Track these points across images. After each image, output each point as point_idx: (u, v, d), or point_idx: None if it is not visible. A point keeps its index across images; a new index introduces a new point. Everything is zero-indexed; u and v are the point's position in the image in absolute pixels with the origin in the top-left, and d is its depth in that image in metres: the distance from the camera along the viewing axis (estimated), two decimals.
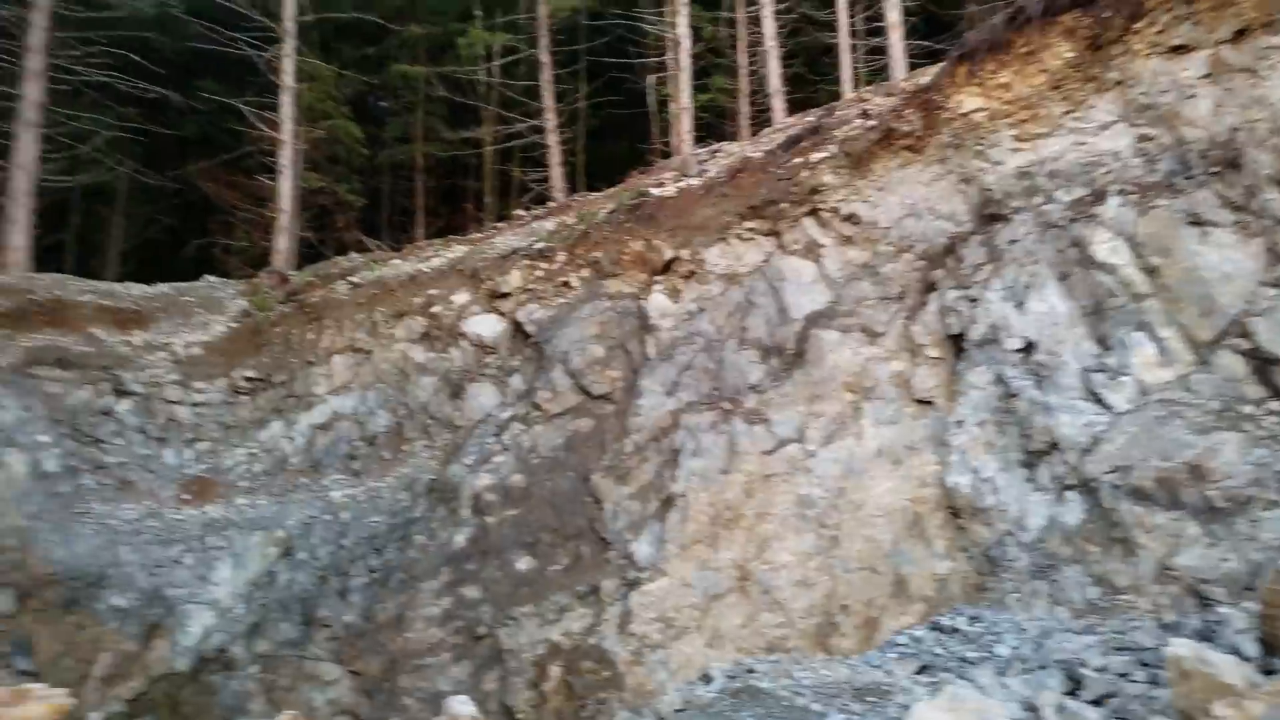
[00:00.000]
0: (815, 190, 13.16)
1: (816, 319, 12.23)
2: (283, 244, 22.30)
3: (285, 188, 22.65)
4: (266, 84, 23.81)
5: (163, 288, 20.00)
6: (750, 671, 8.16)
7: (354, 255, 20.66)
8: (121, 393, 15.58)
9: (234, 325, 18.15)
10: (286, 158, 22.71)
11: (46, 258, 23.19)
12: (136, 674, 11.58)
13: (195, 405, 15.85)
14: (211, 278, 21.09)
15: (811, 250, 12.92)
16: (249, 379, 16.17)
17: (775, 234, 13.28)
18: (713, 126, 24.98)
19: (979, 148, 11.84)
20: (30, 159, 21.01)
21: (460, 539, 12.00)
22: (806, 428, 11.26)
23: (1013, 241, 11.02)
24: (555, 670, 10.16)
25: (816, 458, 10.93)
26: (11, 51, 21.34)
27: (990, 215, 11.49)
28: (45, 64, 21.32)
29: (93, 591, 12.38)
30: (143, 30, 24.63)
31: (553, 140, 25.17)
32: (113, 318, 17.91)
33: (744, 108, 25.05)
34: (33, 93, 21.07)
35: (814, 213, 13.08)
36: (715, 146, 20.78)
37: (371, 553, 12.45)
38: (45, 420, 14.65)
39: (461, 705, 5.69)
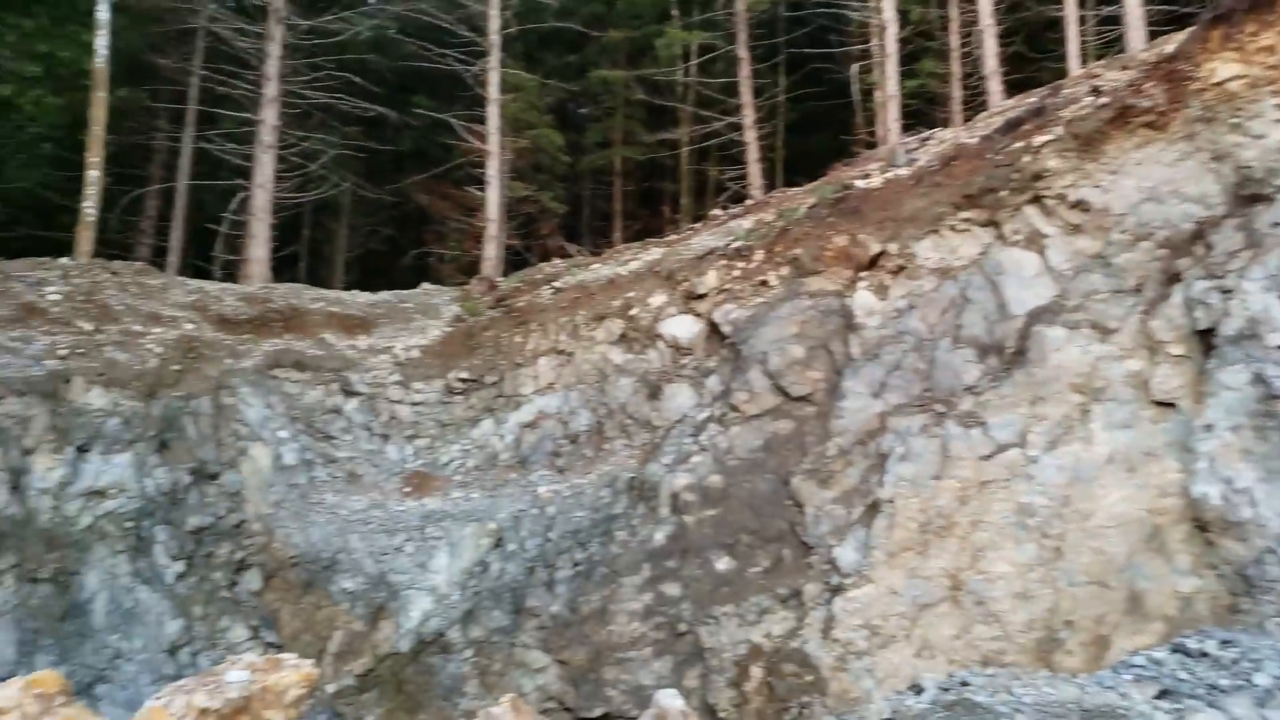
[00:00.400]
0: (1039, 176, 12.62)
1: (1040, 315, 11.74)
2: (491, 252, 23.98)
3: (492, 197, 24.34)
4: (474, 97, 25.71)
5: (384, 295, 22.11)
6: (964, 684, 8.01)
7: (556, 261, 21.90)
8: (349, 393, 17.35)
9: (448, 329, 19.77)
10: (493, 168, 24.41)
11: (282, 268, 26.23)
12: (365, 652, 12.92)
13: (414, 404, 17.40)
14: (428, 285, 23.06)
15: (1034, 241, 12.41)
16: (462, 380, 17.55)
17: (994, 224, 12.85)
18: (921, 114, 24.36)
19: (1235, 120, 10.95)
20: (268, 178, 23.87)
21: (660, 537, 12.49)
22: (1028, 431, 10.84)
23: (1276, 225, 10.12)
24: (756, 671, 10.39)
25: (1039, 463, 10.51)
26: (252, 80, 24.34)
27: (1248, 196, 10.59)
28: (279, 90, 24.16)
29: (327, 574, 13.93)
30: (362, 53, 27.29)
31: (750, 137, 25.46)
32: (341, 323, 20.02)
33: (956, 92, 24.24)
34: (269, 117, 23.93)
35: (1037, 200, 12.55)
36: (925, 134, 20.30)
37: (576, 547, 13.20)
38: (284, 417, 16.57)
39: (670, 699, 6.04)
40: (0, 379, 13.41)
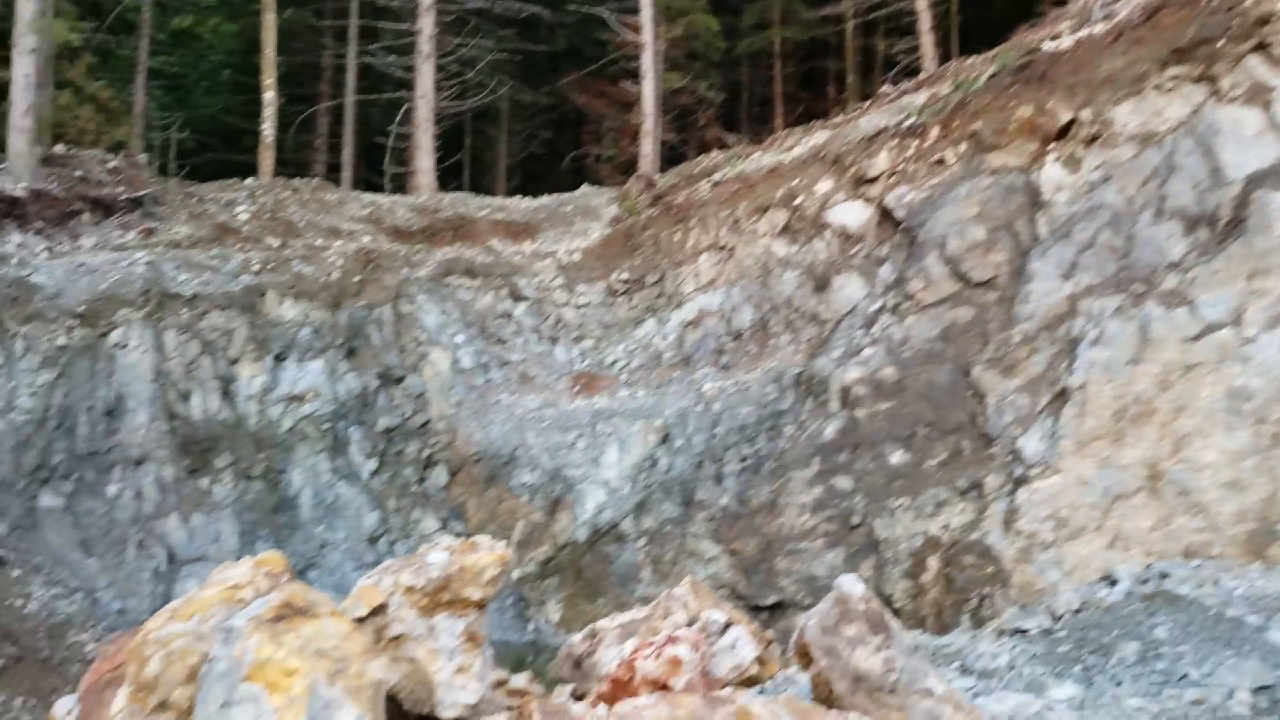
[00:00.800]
0: (1264, 20, 11.23)
1: (1263, 179, 10.61)
2: (648, 148, 23.89)
3: (648, 91, 24.11)
4: None
5: (545, 200, 22.59)
6: (1164, 576, 7.67)
7: (715, 153, 21.56)
8: (518, 297, 18.01)
9: (608, 231, 20.05)
10: (648, 61, 24.09)
11: (447, 177, 27.18)
12: (545, 541, 13.75)
13: (579, 307, 17.89)
14: (587, 187, 23.34)
15: (1257, 95, 11.13)
16: (624, 281, 17.84)
17: (1208, 79, 11.60)
18: None
19: None
20: (429, 88, 24.55)
21: (830, 431, 12.45)
22: (1244, 309, 9.96)
23: None
24: (933, 563, 10.33)
25: (1256, 343, 9.66)
26: None
27: None
28: None
29: (507, 470, 14.79)
30: None
31: (922, 5, 23.83)
32: (506, 230, 20.68)
33: None
34: (427, 26, 24.45)
35: (1262, 48, 11.21)
36: None
37: (743, 442, 13.38)
38: (459, 323, 17.45)
39: (852, 584, 6.07)
40: (205, 295, 14.78)
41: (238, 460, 13.24)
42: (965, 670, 6.09)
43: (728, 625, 6.26)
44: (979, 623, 8.75)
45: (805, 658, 6.16)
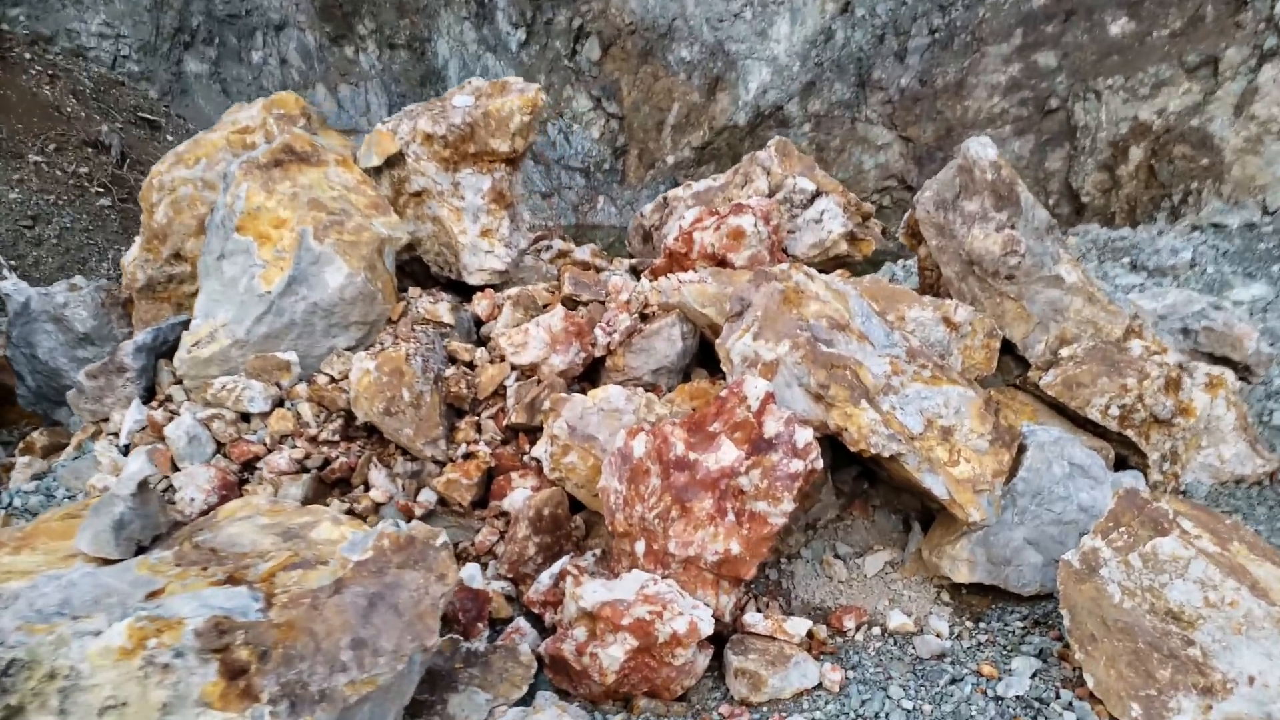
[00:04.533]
0: None
1: None
2: None
3: None
4: None
5: None
6: None
7: None
8: None
9: None
10: None
11: None
12: (702, 125, 12.91)
13: None
14: None
15: None
16: None
17: None
18: None
19: None
20: None
21: None
22: None
23: None
24: (1137, 153, 8.79)
25: None
26: None
27: None
28: None
29: (664, 43, 13.61)
30: None
31: None
32: None
33: None
34: None
35: None
36: None
37: (935, 10, 11.45)
38: None
39: (982, 148, 5.13)
40: None
41: (380, 28, 12.79)
42: (1135, 266, 5.15)
43: (816, 195, 5.50)
44: (1175, 219, 7.51)
45: (914, 238, 5.39)
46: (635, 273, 5.47)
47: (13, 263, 8.79)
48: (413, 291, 4.63)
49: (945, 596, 4.00)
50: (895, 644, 3.70)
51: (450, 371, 4.24)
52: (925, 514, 4.30)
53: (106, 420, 4.41)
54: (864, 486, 4.41)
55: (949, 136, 10.83)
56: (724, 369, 4.14)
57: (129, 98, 10.98)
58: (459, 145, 4.91)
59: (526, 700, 3.17)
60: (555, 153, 14.20)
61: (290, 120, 5.08)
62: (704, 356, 4.64)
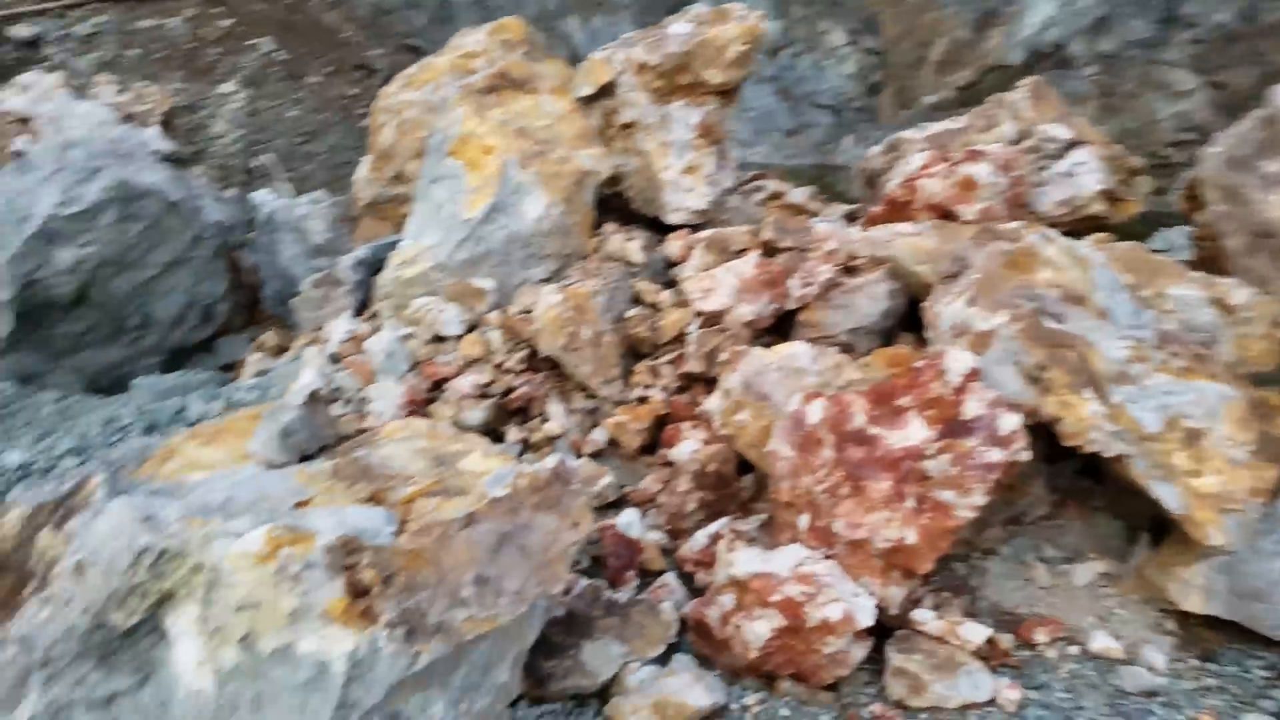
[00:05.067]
0: None
1: None
2: None
3: None
4: None
5: None
6: None
7: None
8: None
9: None
10: None
11: None
12: (969, 63, 11.88)
13: None
14: None
15: None
16: None
17: None
18: None
19: None
20: None
21: None
22: None
23: None
24: None
25: None
26: None
27: None
28: None
29: None
30: None
31: None
32: None
33: None
34: None
35: None
36: None
37: None
38: None
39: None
40: None
41: None
42: None
43: (1071, 145, 4.82)
44: None
45: (1193, 201, 4.62)
46: (852, 220, 5.11)
47: (289, 174, 9.67)
48: (607, 227, 4.58)
49: (1169, 625, 3.46)
50: (1095, 669, 3.25)
51: (633, 312, 4.17)
52: (1157, 524, 3.73)
53: (321, 329, 4.74)
54: (1085, 484, 3.90)
55: (1266, 84, 9.33)
56: (927, 336, 3.76)
57: (398, 24, 11.74)
58: (672, 75, 4.75)
59: (662, 660, 3.08)
60: (803, 87, 13.68)
61: (513, 47, 5.14)
62: (912, 320, 4.25)
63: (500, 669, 2.57)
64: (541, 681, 2.91)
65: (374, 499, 2.68)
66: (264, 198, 5.74)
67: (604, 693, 2.96)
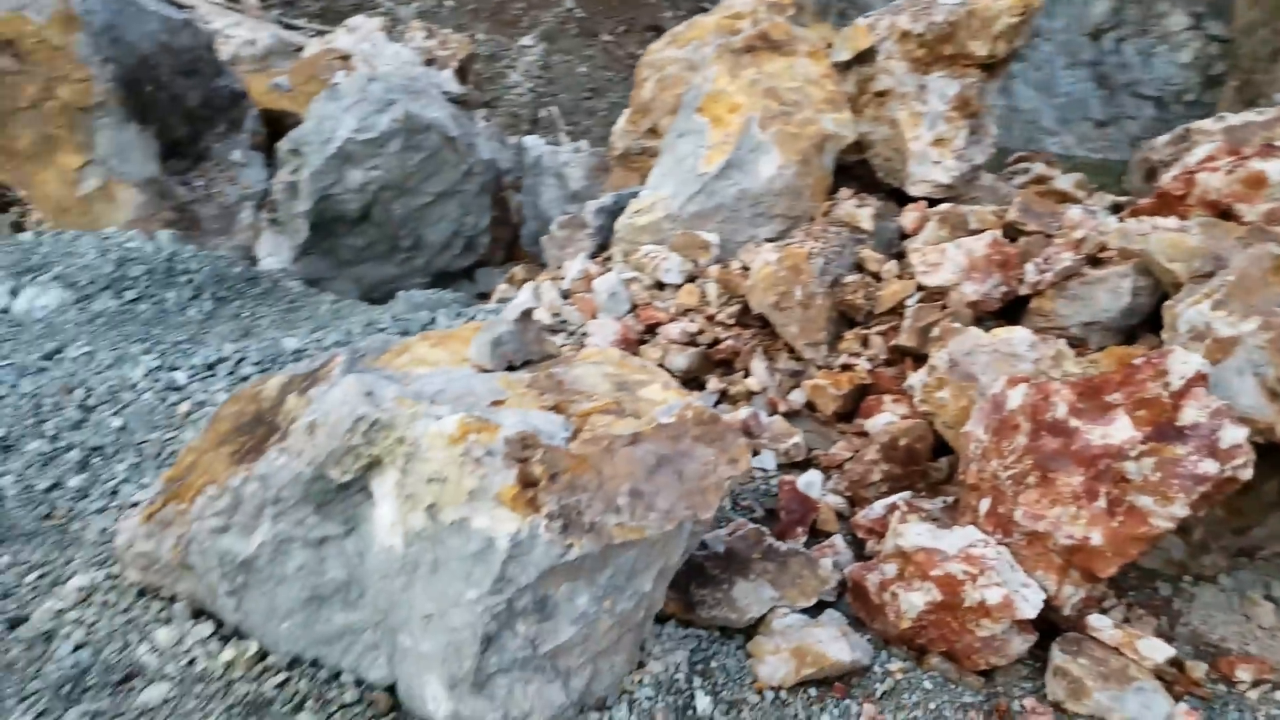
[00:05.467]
0: None
1: None
2: None
3: None
4: None
5: None
6: None
7: None
8: None
9: None
10: None
11: None
12: None
13: None
14: None
15: None
16: None
17: None
18: None
19: None
20: None
21: None
22: None
23: None
24: None
25: None
26: None
27: None
28: None
29: None
30: None
31: None
32: None
33: None
34: None
35: None
36: None
37: None
38: None
39: None
40: None
41: None
42: None
43: None
44: None
45: None
46: (1115, 212, 4.76)
47: (570, 127, 10.35)
48: (842, 193, 4.58)
49: None
50: None
51: (852, 279, 4.16)
52: None
53: (561, 266, 5.14)
54: None
55: None
56: (1164, 337, 3.50)
57: None
58: (935, 45, 4.64)
59: (813, 613, 3.16)
60: (1126, 75, 12.60)
61: (781, 9, 5.24)
62: (1157, 321, 3.95)
63: (644, 578, 2.77)
64: (692, 606, 3.09)
65: (557, 408, 2.96)
66: (533, 142, 6.25)
67: (750, 630, 3.08)
